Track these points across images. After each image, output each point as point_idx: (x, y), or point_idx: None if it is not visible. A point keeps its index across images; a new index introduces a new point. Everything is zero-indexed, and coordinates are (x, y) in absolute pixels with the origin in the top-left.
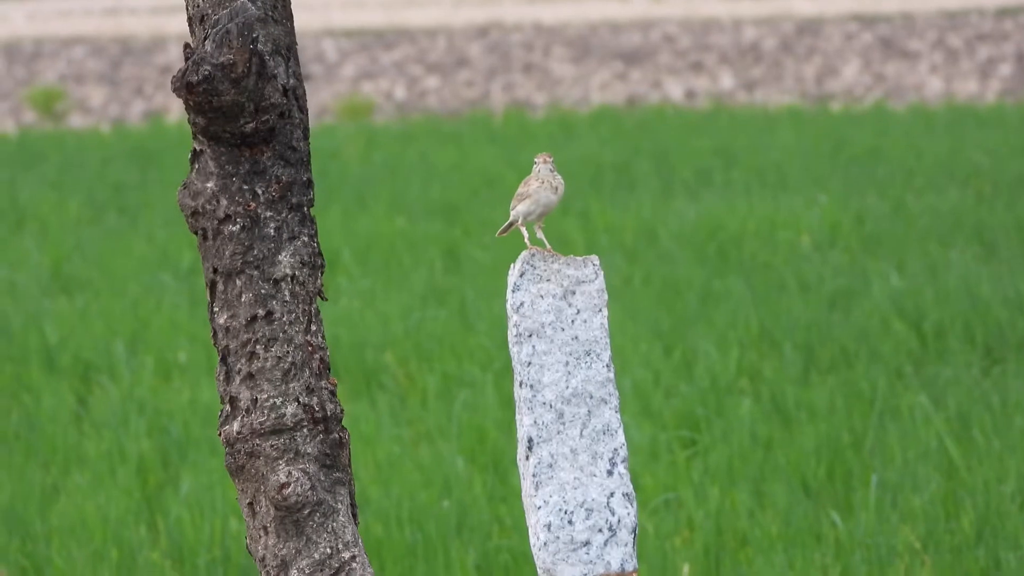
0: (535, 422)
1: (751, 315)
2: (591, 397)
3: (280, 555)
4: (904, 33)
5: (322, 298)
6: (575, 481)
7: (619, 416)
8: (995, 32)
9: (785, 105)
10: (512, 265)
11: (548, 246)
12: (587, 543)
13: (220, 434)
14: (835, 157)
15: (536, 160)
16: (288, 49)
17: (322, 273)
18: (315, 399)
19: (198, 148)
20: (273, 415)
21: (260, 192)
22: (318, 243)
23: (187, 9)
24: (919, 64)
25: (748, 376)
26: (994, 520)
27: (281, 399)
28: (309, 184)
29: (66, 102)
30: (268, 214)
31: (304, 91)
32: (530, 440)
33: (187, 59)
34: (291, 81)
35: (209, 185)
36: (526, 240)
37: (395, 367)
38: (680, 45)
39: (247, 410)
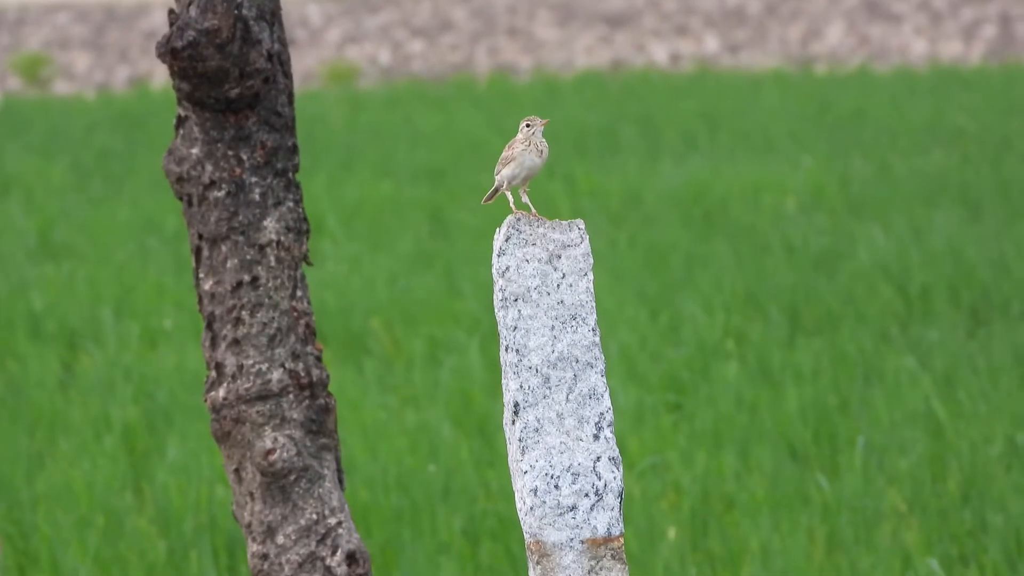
0: (521, 386)
1: (736, 278)
2: (577, 361)
3: (266, 521)
4: None
5: (307, 263)
6: (561, 446)
7: (605, 380)
8: None
9: (770, 68)
10: (497, 229)
11: (533, 210)
12: (573, 507)
13: (206, 400)
14: (820, 119)
15: (530, 124)
16: (272, 14)
17: (307, 238)
18: (301, 365)
19: (183, 114)
20: (259, 381)
21: (245, 158)
22: (303, 208)
23: None
24: (903, 26)
25: (734, 339)
26: (980, 482)
27: (267, 365)
28: (294, 149)
29: (51, 68)
30: (253, 179)
31: (288, 56)
32: (516, 405)
33: (171, 25)
34: (275, 46)
35: (194, 151)
36: (511, 204)
37: (381, 332)
38: (665, 8)
39: (233, 376)
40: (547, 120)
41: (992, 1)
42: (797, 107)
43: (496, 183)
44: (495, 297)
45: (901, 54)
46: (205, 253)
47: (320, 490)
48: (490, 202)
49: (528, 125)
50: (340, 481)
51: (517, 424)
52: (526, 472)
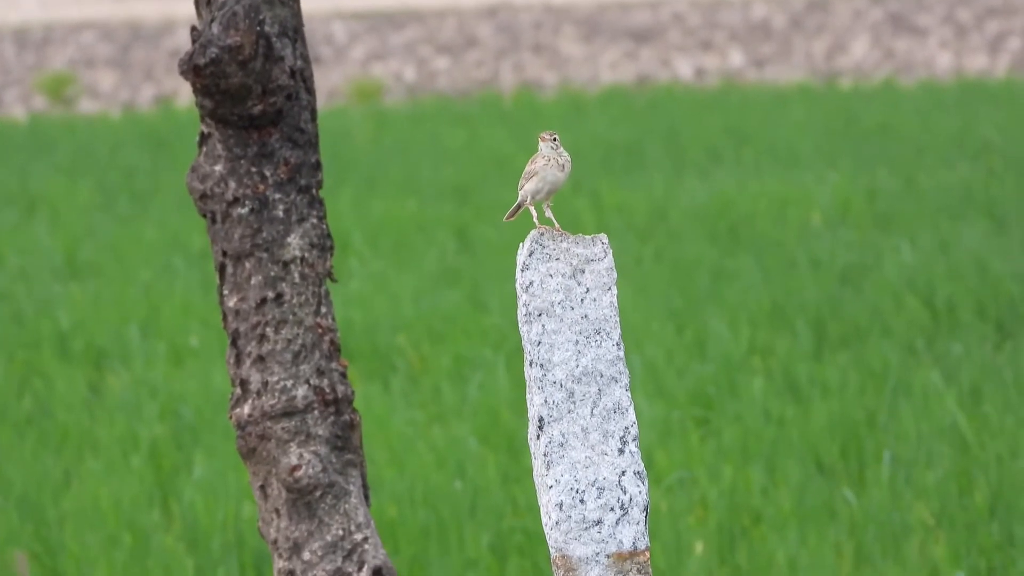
0: (545, 401)
1: (762, 293)
2: (601, 376)
3: (292, 537)
4: (913, 8)
5: (332, 280)
6: (586, 460)
7: (629, 394)
8: (1005, 7)
9: (795, 82)
10: (521, 244)
11: (557, 225)
12: (599, 522)
13: (231, 417)
14: (845, 134)
15: (544, 139)
16: (295, 31)
17: (331, 255)
18: (326, 381)
19: (206, 131)
20: (284, 397)
21: (268, 174)
22: (327, 225)
23: None
24: (929, 39)
25: (760, 354)
26: (1008, 495)
27: (292, 381)
28: (317, 166)
29: (76, 87)
30: (277, 196)
31: (311, 72)
32: (541, 419)
33: (194, 42)
34: (298, 63)
35: (217, 168)
36: (535, 219)
37: (408, 349)
38: (689, 23)
39: (258, 393)
40: (555, 134)
41: (1018, 14)
42: (823, 121)
43: (519, 198)
44: (519, 312)
45: (927, 68)
46: (229, 270)
47: (346, 506)
48: (512, 219)
49: (543, 140)
50: (366, 497)
51: (542, 439)
52: (551, 487)
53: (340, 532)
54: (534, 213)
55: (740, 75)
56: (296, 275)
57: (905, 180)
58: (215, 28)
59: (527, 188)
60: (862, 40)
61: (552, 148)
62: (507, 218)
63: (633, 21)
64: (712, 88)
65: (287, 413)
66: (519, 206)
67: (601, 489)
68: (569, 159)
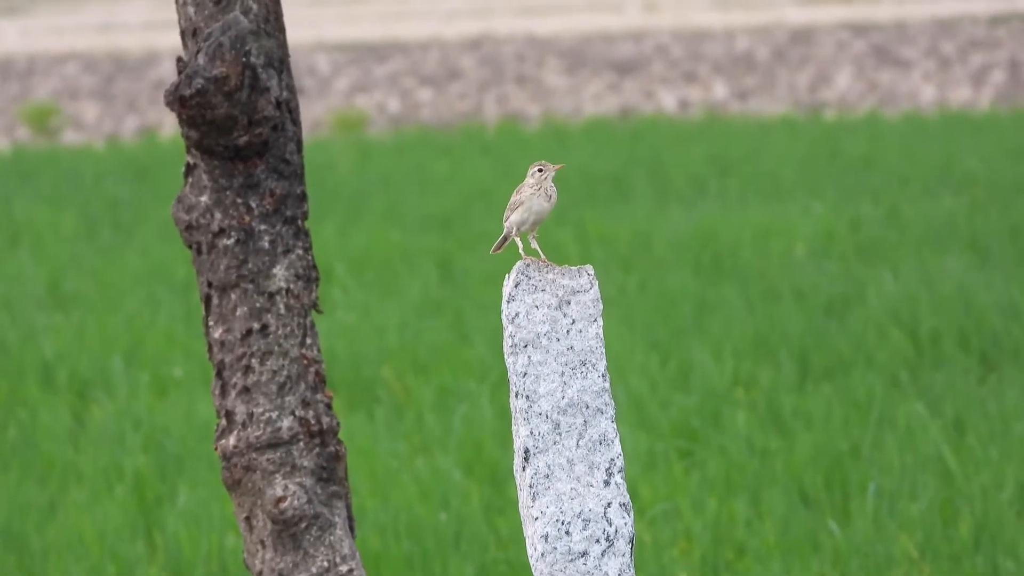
0: (531, 433)
1: (746, 324)
2: (587, 407)
3: (278, 569)
4: (897, 41)
5: (317, 311)
6: (572, 492)
7: (615, 426)
8: (988, 39)
9: (778, 114)
10: (507, 276)
11: (543, 256)
12: (585, 553)
13: (216, 448)
14: (829, 165)
15: (542, 168)
16: (281, 62)
17: (317, 286)
18: (311, 412)
19: (191, 162)
20: (269, 429)
21: (254, 205)
22: (312, 256)
23: (179, 22)
24: (912, 72)
25: (744, 385)
26: (992, 527)
27: (277, 413)
28: (303, 197)
29: (59, 118)
30: (262, 227)
31: (297, 104)
32: (527, 451)
33: (180, 72)
34: (284, 94)
35: (203, 199)
36: (520, 250)
37: (392, 380)
38: (673, 55)
39: (243, 424)
40: (561, 165)
41: (1001, 47)
42: (806, 153)
43: (505, 230)
44: (505, 343)
45: (910, 100)
46: (215, 301)
47: (331, 538)
48: (499, 251)
49: (540, 170)
50: (351, 529)
51: (528, 470)
52: (537, 518)
53: (325, 564)
54: (520, 244)
55: (724, 107)
56: (282, 306)
57: (889, 211)
58: (201, 59)
59: (512, 219)
60: (846, 72)
61: (545, 178)
62: (494, 250)
63: (617, 53)
64: (696, 120)
65: (272, 444)
66: (505, 238)
67: (587, 521)
68: (556, 190)
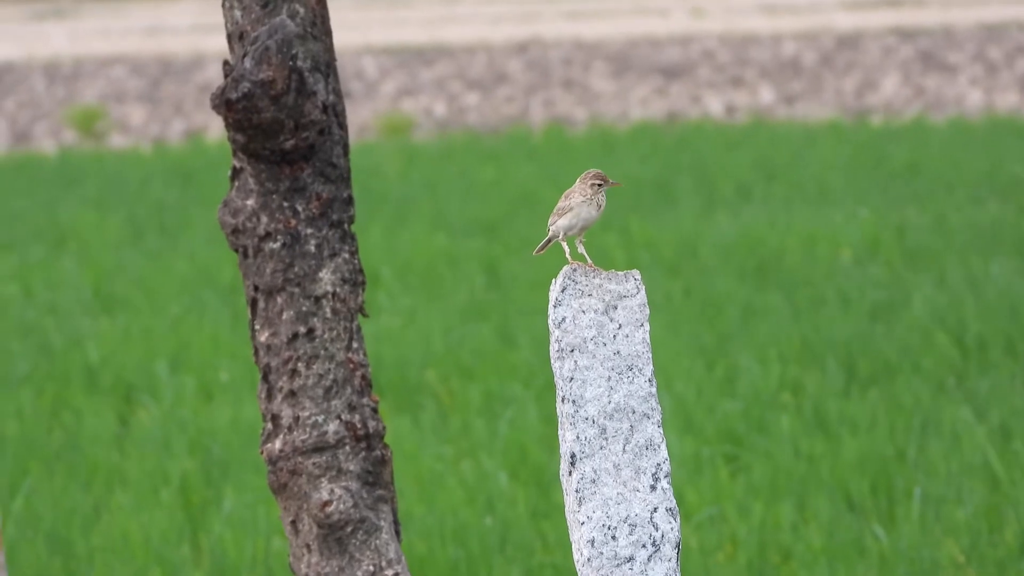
0: (578, 437)
1: (792, 330)
2: (633, 412)
3: (323, 573)
4: (944, 46)
5: (363, 315)
6: (618, 496)
7: (661, 431)
8: None
9: (825, 119)
10: (554, 280)
11: (589, 261)
12: (631, 559)
13: (262, 452)
14: (875, 171)
15: (600, 184)
16: (327, 66)
17: (363, 290)
18: (357, 416)
19: (238, 166)
20: (315, 433)
21: (300, 209)
22: (359, 260)
23: (226, 26)
24: (959, 77)
25: (790, 390)
26: None
27: (323, 416)
28: (349, 201)
29: (106, 121)
30: (308, 231)
31: (343, 108)
32: (573, 456)
33: (226, 76)
34: (330, 98)
35: (249, 203)
36: (567, 255)
37: (437, 384)
38: (720, 60)
39: (289, 428)
40: (619, 184)
41: None
42: (852, 158)
43: (550, 233)
44: (551, 348)
45: (957, 105)
46: (261, 305)
47: (377, 542)
48: (542, 253)
49: (600, 184)
50: (397, 533)
51: (574, 475)
52: (583, 523)
53: (371, 568)
54: (567, 249)
55: (770, 112)
56: (328, 310)
57: (935, 217)
58: (248, 63)
59: (560, 224)
60: (892, 77)
61: (596, 192)
62: (537, 252)
63: (663, 57)
64: (742, 125)
65: (318, 448)
66: (549, 240)
67: (633, 526)
68: (604, 198)
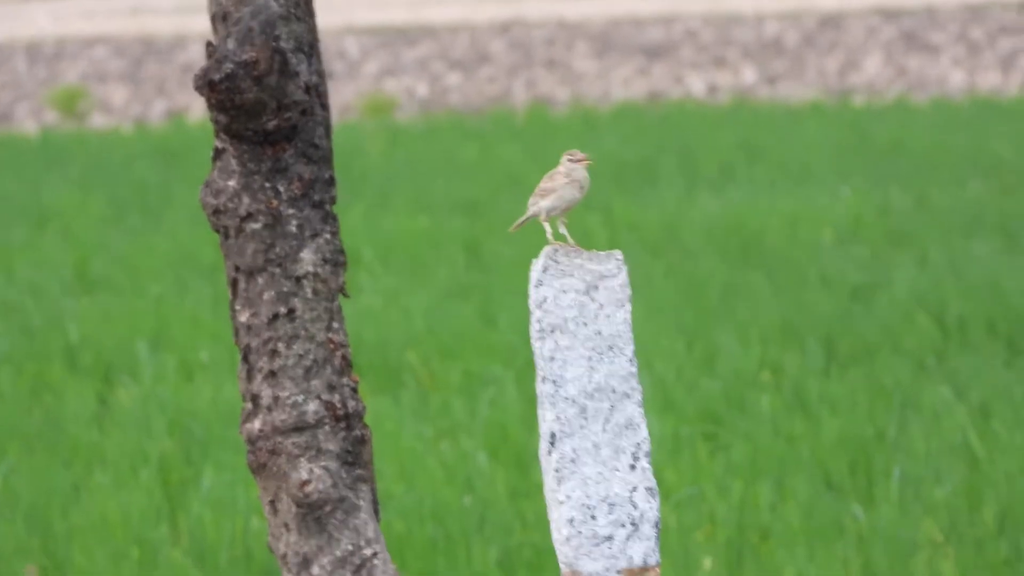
0: (557, 417)
1: (773, 310)
2: (614, 392)
3: (302, 552)
4: (926, 26)
5: (344, 295)
6: (598, 476)
7: (642, 410)
8: (1017, 24)
9: (807, 99)
10: (535, 261)
11: (571, 241)
12: (610, 537)
13: (242, 432)
14: (858, 151)
15: (571, 158)
16: (310, 46)
17: (344, 270)
18: (337, 396)
19: (220, 146)
20: (295, 412)
21: (282, 190)
22: (340, 240)
23: (209, 7)
24: (941, 57)
25: (770, 370)
26: (1017, 511)
27: (303, 396)
28: (331, 181)
29: (88, 101)
30: (290, 212)
31: (326, 88)
32: (552, 435)
33: (209, 57)
34: (313, 78)
35: (231, 183)
36: (548, 236)
37: (418, 364)
38: (702, 40)
39: (269, 408)
40: (591, 161)
41: None
42: (835, 138)
43: (530, 211)
44: (532, 328)
45: (939, 85)
46: (241, 285)
47: (356, 521)
48: (518, 229)
49: (570, 159)
50: (375, 512)
51: (553, 455)
52: (562, 502)
53: (349, 547)
54: (548, 229)
55: (753, 92)
56: (308, 291)
57: (917, 197)
58: (230, 43)
59: (543, 204)
60: (875, 57)
61: (574, 169)
62: (513, 229)
63: (646, 37)
64: (724, 105)
65: (298, 428)
66: (527, 218)
67: (612, 505)
68: (589, 179)
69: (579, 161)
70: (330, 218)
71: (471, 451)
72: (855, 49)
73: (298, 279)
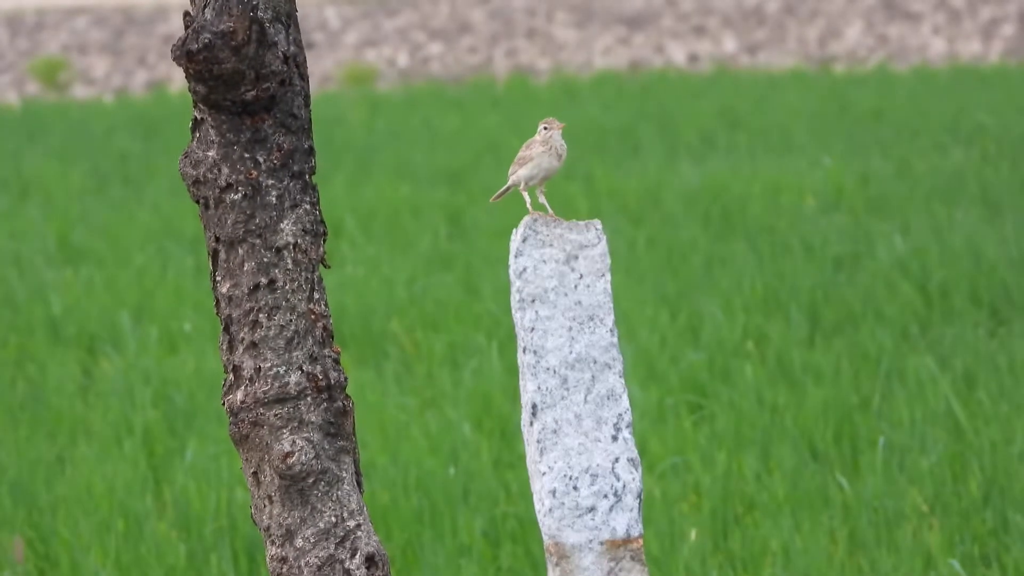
0: (539, 388)
1: (756, 278)
2: (595, 362)
3: (285, 524)
4: None
5: (325, 266)
6: (580, 447)
7: (623, 381)
8: None
9: (788, 68)
10: (515, 230)
11: (550, 211)
12: (592, 509)
13: (224, 403)
14: (839, 119)
15: (548, 126)
16: (288, 16)
17: (324, 241)
18: (318, 367)
19: (199, 117)
20: (277, 384)
21: (261, 160)
22: (320, 211)
23: None
24: (922, 25)
25: (754, 339)
26: (1001, 481)
27: (284, 368)
28: (311, 152)
29: (69, 72)
30: (270, 182)
31: (305, 58)
32: (534, 406)
33: (187, 27)
34: (291, 48)
35: (210, 154)
36: (528, 205)
37: (401, 334)
38: (682, 9)
39: (250, 379)
40: (564, 124)
41: (1011, 0)
42: (816, 107)
43: (510, 181)
44: (512, 298)
45: (920, 53)
46: (222, 256)
47: (339, 493)
48: (499, 200)
49: (546, 128)
50: (359, 484)
51: (535, 425)
52: (544, 474)
53: (333, 519)
54: (527, 199)
55: (733, 60)
56: (289, 261)
57: (898, 165)
58: (208, 14)
59: (520, 174)
60: (855, 26)
61: (551, 136)
62: (494, 199)
63: (626, 7)
64: (705, 73)
65: (280, 400)
66: (508, 188)
67: (595, 476)
68: (566, 147)
69: (554, 128)
70: (310, 188)
71: (455, 421)
72: (836, 17)
73: (278, 250)
